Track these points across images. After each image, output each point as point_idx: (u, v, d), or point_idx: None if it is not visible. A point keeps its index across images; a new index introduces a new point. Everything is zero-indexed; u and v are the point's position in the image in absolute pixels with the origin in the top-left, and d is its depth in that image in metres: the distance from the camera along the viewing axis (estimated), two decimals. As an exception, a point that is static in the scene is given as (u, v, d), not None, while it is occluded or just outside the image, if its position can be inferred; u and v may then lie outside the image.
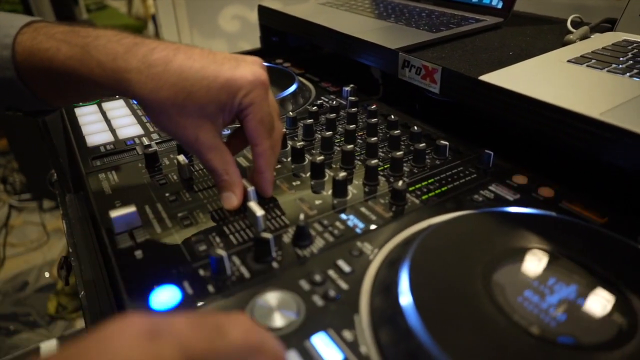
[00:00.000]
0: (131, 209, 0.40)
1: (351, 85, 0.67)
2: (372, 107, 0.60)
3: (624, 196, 0.41)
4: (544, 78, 0.47)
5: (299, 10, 0.83)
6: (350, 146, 0.49)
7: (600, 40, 0.57)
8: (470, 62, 0.56)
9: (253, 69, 0.39)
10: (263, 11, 0.85)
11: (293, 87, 0.67)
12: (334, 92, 0.71)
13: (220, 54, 0.40)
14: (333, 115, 0.57)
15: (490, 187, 0.45)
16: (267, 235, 0.36)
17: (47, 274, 1.80)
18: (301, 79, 0.76)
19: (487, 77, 0.47)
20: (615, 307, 0.29)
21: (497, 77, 0.48)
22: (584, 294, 0.30)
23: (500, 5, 0.71)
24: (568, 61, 0.51)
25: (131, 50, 0.37)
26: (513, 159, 0.49)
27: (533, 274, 0.32)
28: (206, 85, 0.37)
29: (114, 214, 0.39)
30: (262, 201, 0.44)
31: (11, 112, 0.44)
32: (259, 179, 0.43)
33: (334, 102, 0.65)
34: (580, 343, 0.27)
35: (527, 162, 0.48)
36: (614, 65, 0.49)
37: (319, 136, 0.55)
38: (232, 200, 0.42)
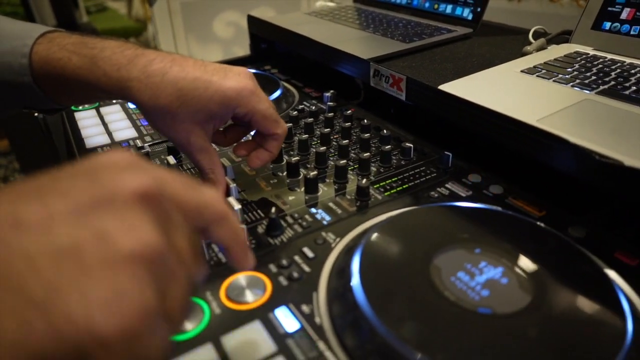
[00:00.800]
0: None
1: (331, 92, 0.72)
2: (348, 112, 0.65)
3: (561, 193, 0.47)
4: (496, 87, 0.53)
5: (285, 20, 0.88)
6: (323, 148, 0.55)
7: (555, 52, 0.62)
8: (436, 71, 0.61)
9: (239, 79, 0.45)
10: (252, 21, 0.91)
11: (277, 93, 0.72)
12: (316, 97, 0.77)
13: (211, 65, 0.45)
14: (311, 119, 0.63)
15: (447, 185, 0.51)
16: (241, 226, 0.41)
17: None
18: (286, 84, 0.82)
19: (445, 87, 0.53)
20: (528, 285, 0.35)
21: (454, 87, 0.53)
22: (507, 275, 0.36)
23: (470, 17, 0.77)
24: (521, 71, 0.57)
25: (133, 61, 0.42)
26: (471, 159, 0.55)
27: (467, 259, 0.38)
28: (198, 95, 0.43)
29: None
30: (243, 196, 0.49)
31: (27, 109, 0.51)
32: (264, 155, 0.48)
33: (314, 108, 0.70)
34: (495, 313, 0.32)
35: (483, 162, 0.54)
36: (560, 76, 0.54)
37: (297, 139, 0.61)
38: (214, 196, 0.47)
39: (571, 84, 0.52)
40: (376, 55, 0.65)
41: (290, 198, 0.49)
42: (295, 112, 0.67)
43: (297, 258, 0.40)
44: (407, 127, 0.64)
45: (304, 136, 0.57)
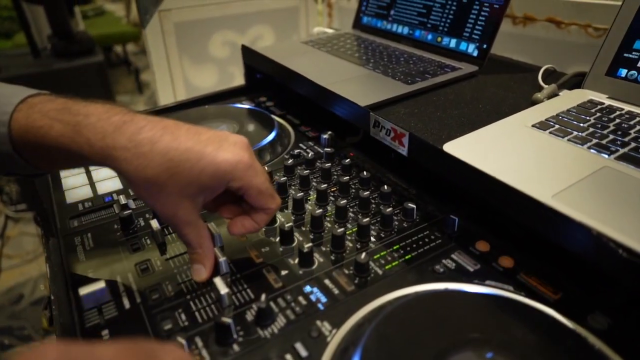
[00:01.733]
0: (100, 285, 0.41)
1: (329, 133, 0.69)
2: (347, 160, 0.61)
3: (578, 273, 0.43)
4: (505, 147, 0.49)
5: (279, 51, 0.84)
6: (319, 211, 0.51)
7: (567, 100, 0.58)
8: (440, 120, 0.57)
9: (234, 151, 0.41)
10: (246, 51, 0.87)
11: (271, 136, 0.68)
12: (313, 137, 0.73)
13: (205, 133, 0.41)
14: (307, 172, 0.59)
15: (453, 255, 0.47)
16: (226, 320, 0.37)
17: (42, 287, 1.82)
18: (281, 121, 0.78)
19: (450, 147, 0.49)
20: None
21: (459, 147, 0.49)
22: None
23: (475, 54, 0.73)
24: (532, 126, 0.53)
25: (120, 128, 0.39)
26: (479, 223, 0.51)
27: (478, 366, 0.34)
28: (189, 167, 0.39)
29: (83, 291, 0.41)
30: (231, 269, 0.45)
31: (8, 176, 0.48)
32: (249, 224, 0.44)
33: (310, 153, 0.66)
34: None
35: (492, 227, 0.50)
36: (575, 133, 0.50)
37: (292, 192, 0.57)
38: (201, 273, 0.43)
39: (587, 144, 0.48)
40: (375, 102, 0.61)
41: (284, 273, 0.45)
42: (291, 160, 0.63)
43: (289, 357, 0.36)
44: (409, 175, 0.60)
45: (299, 195, 0.54)
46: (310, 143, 0.71)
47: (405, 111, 0.61)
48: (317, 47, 0.87)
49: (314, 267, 0.46)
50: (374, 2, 0.92)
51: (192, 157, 0.39)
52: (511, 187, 0.42)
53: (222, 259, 0.44)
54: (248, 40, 1.38)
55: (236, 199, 0.45)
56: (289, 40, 0.87)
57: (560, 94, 0.61)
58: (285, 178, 0.58)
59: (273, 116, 0.80)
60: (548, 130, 0.51)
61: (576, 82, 0.65)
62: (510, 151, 0.48)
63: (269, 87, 0.91)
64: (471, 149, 0.49)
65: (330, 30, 0.98)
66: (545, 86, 0.63)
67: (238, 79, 1.41)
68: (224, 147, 0.41)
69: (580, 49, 0.95)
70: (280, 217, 0.53)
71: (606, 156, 0.46)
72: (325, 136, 0.69)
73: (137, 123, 0.39)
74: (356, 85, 0.67)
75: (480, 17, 0.72)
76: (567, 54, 0.98)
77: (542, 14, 0.99)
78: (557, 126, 0.52)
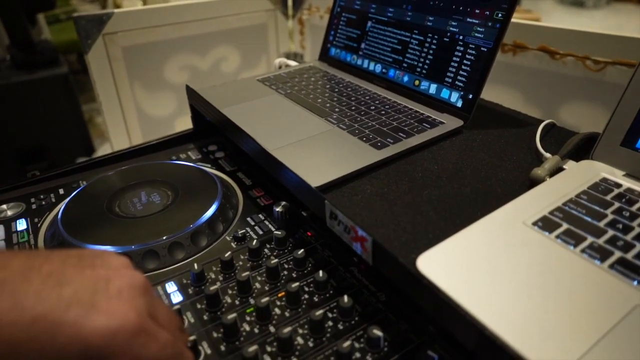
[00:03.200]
0: None
1: (283, 205, 0.56)
2: (300, 252, 0.49)
3: None
4: (498, 266, 0.36)
5: (227, 92, 0.71)
6: (253, 348, 0.38)
7: (574, 178, 0.46)
8: (415, 208, 0.45)
9: (114, 311, 0.28)
10: (189, 92, 0.74)
11: (211, 210, 0.55)
12: (266, 206, 0.60)
13: (72, 280, 0.28)
14: (246, 274, 0.46)
15: (431, 417, 0.34)
16: None
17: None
18: (229, 181, 0.65)
19: (425, 263, 0.36)
20: None
21: (437, 263, 0.36)
22: None
23: (459, 104, 0.60)
24: (533, 224, 0.40)
25: None
26: (462, 352, 0.39)
27: None
28: (38, 349, 0.26)
29: None
30: None
31: None
32: None
33: (258, 233, 0.53)
34: None
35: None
36: (590, 240, 0.38)
37: (223, 321, 0.44)
38: None
39: (607, 262, 0.36)
40: (332, 179, 0.48)
41: None
42: (228, 254, 0.50)
43: None
44: (378, 274, 0.48)
45: (230, 316, 0.40)
46: (261, 216, 0.58)
47: (372, 190, 0.48)
48: (274, 87, 0.73)
49: None
50: (342, 32, 0.80)
51: (43, 333, 0.26)
52: (510, 348, 0.29)
53: None
54: (210, 63, 1.24)
55: None
56: (242, 80, 0.74)
57: (565, 166, 0.49)
58: (218, 285, 0.45)
59: (221, 174, 0.67)
60: (554, 233, 0.39)
61: (582, 145, 0.53)
62: (506, 273, 0.36)
63: (221, 132, 0.78)
64: (453, 266, 0.36)
65: (293, 63, 0.85)
66: (546, 155, 0.51)
67: (200, 106, 1.28)
68: (98, 307, 0.27)
69: (578, 83, 0.84)
70: (205, 349, 0.40)
71: (635, 283, 0.34)
72: (279, 209, 0.56)
73: None
74: (312, 151, 0.54)
75: (465, 61, 0.59)
76: (563, 87, 0.86)
77: (534, 42, 0.87)
78: (564, 225, 0.40)
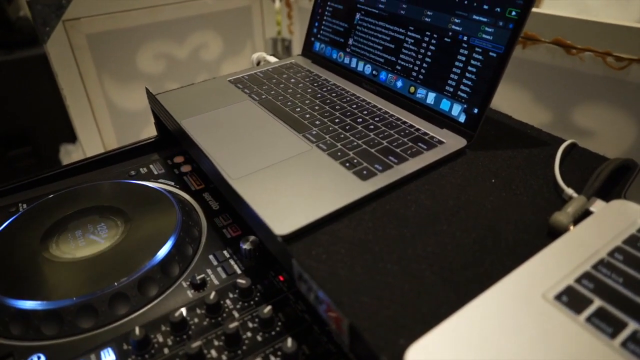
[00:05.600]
0: None
1: (251, 240, 0.47)
2: (266, 311, 0.40)
3: None
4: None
5: (191, 97, 0.61)
6: None
7: (605, 227, 0.37)
8: (404, 261, 0.36)
9: None
10: (149, 95, 0.64)
11: (166, 247, 0.46)
12: (233, 239, 0.51)
13: None
14: (199, 343, 0.37)
15: None
16: None
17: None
18: (193, 203, 0.56)
19: (416, 358, 0.28)
20: None
21: (431, 357, 0.28)
22: None
23: (463, 119, 0.50)
24: (555, 298, 0.31)
25: None
26: None
27: None
28: None
29: None
30: None
31: None
32: None
33: (213, 296, 0.44)
34: None
35: None
36: (631, 326, 0.29)
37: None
38: None
39: (658, 364, 0.27)
40: (303, 225, 0.39)
41: None
42: (180, 311, 0.41)
43: None
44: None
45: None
46: (226, 253, 0.49)
47: (354, 237, 0.39)
48: (247, 90, 0.63)
49: None
50: (328, 24, 0.69)
51: None
52: None
53: None
54: (188, 50, 1.13)
55: None
56: (211, 81, 0.64)
57: (592, 207, 0.40)
58: (166, 352, 0.36)
59: (183, 195, 0.57)
60: (583, 315, 0.30)
61: (614, 171, 0.44)
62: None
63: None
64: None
65: (272, 59, 0.75)
66: (568, 191, 0.41)
67: (178, 97, 1.17)
68: None
69: (596, 83, 0.74)
70: None
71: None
72: (246, 246, 0.47)
73: None
74: (282, 182, 0.45)
75: (470, 68, 0.49)
76: (578, 87, 0.76)
77: (548, 35, 0.77)
78: (596, 302, 0.31)
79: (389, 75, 0.59)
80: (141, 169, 0.64)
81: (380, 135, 0.51)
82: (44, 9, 0.90)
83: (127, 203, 0.54)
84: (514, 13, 0.45)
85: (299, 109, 0.57)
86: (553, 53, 0.78)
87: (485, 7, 0.47)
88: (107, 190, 0.57)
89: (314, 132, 0.52)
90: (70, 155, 1.91)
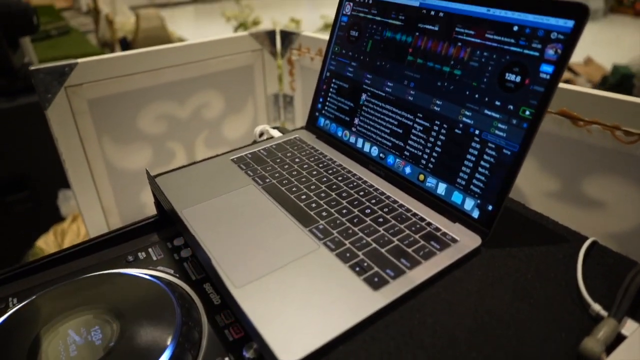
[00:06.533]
0: None
1: (254, 348, 0.44)
2: None
3: None
4: None
5: (187, 181, 0.59)
6: None
7: (640, 357, 0.34)
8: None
9: None
10: (148, 176, 0.62)
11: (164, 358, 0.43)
12: (236, 342, 0.47)
13: None
14: None
15: None
16: None
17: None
18: (192, 300, 0.53)
19: None
20: None
21: None
22: None
23: (476, 215, 0.48)
24: None
25: None
26: None
27: None
28: None
29: None
30: None
31: None
32: None
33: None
34: None
35: None
36: None
37: None
38: None
39: None
40: (310, 352, 0.36)
41: None
42: None
43: None
44: None
45: None
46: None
47: (367, 364, 0.36)
48: (251, 172, 0.61)
49: None
50: (333, 101, 0.68)
51: None
52: None
53: None
54: (190, 110, 1.12)
55: None
56: (213, 161, 0.62)
57: (624, 330, 0.37)
58: None
59: (183, 287, 0.54)
60: None
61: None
62: None
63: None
64: None
65: (276, 134, 0.74)
66: (595, 307, 0.39)
67: (180, 157, 1.16)
68: None
69: (605, 155, 0.72)
70: None
71: None
72: (249, 354, 0.44)
73: None
74: (288, 294, 0.42)
75: (483, 163, 0.48)
76: (587, 158, 0.74)
77: (554, 105, 0.76)
78: None
79: (397, 160, 0.57)
80: (140, 254, 0.61)
81: (390, 231, 0.49)
82: (46, 77, 0.89)
83: (122, 299, 0.51)
84: (527, 112, 0.44)
85: (304, 197, 0.55)
86: (560, 124, 0.77)
87: (497, 103, 0.46)
88: (102, 284, 0.54)
89: (321, 227, 0.50)
90: (68, 201, 1.89)
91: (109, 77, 0.97)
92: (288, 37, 1.20)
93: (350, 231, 0.49)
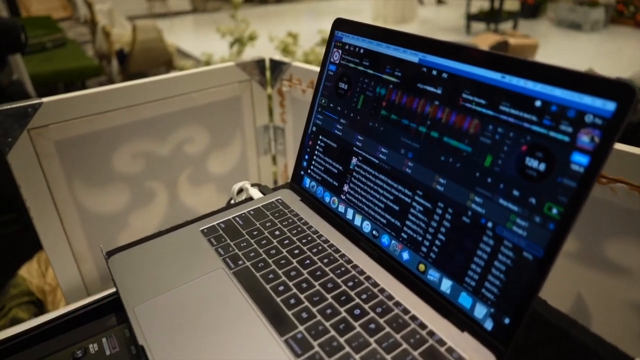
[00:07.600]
0: None
1: None
2: None
3: None
4: None
5: (147, 263, 0.50)
6: None
7: None
8: None
9: None
10: (104, 255, 0.53)
11: None
12: None
13: None
14: None
15: None
16: None
17: None
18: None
19: None
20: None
21: None
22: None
23: (489, 326, 0.39)
24: None
25: None
26: None
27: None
28: None
29: None
30: None
31: None
32: None
33: None
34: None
35: None
36: None
37: None
38: None
39: None
40: None
41: None
42: None
43: None
44: None
45: None
46: None
47: None
48: (222, 250, 0.52)
49: None
50: (319, 161, 0.59)
51: None
52: None
53: None
54: (171, 147, 1.04)
55: None
56: (180, 234, 0.53)
57: None
58: None
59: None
60: None
61: None
62: None
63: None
64: None
65: (256, 194, 0.65)
66: None
67: (161, 197, 1.07)
68: None
69: (631, 216, 0.63)
70: None
71: None
72: None
73: None
74: None
75: (498, 264, 0.39)
76: (610, 219, 0.65)
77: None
78: None
79: (393, 241, 0.48)
80: (91, 346, 0.52)
81: (383, 344, 0.40)
82: (5, 119, 0.80)
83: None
84: (555, 211, 0.35)
85: (282, 288, 0.46)
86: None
87: (515, 193, 0.37)
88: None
89: (300, 337, 0.41)
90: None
91: (79, 116, 0.88)
92: (278, 66, 1.12)
93: (335, 344, 0.40)
